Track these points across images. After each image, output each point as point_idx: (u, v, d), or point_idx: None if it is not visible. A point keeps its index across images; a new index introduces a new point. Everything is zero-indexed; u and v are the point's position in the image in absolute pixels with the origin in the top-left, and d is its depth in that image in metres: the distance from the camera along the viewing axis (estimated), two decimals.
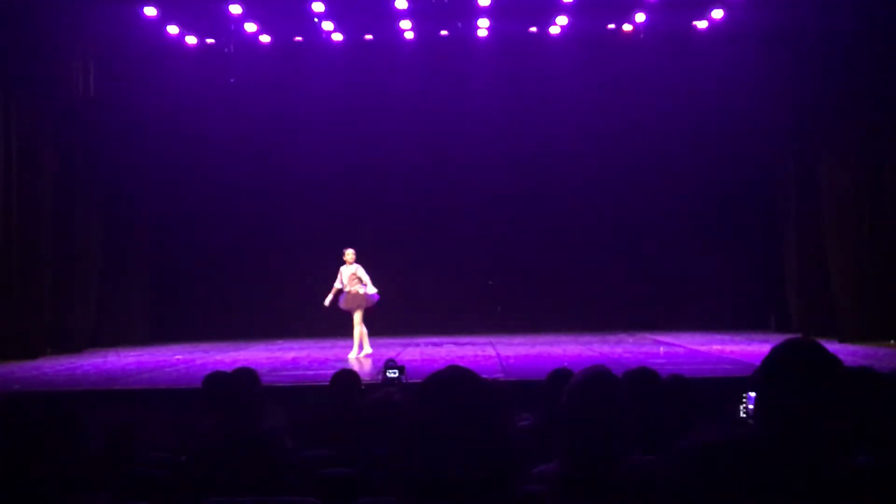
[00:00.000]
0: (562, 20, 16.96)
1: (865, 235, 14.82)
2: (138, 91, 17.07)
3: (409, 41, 17.73)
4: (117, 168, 17.00)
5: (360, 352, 13.86)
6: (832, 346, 11.59)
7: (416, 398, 2.13)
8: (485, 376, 2.27)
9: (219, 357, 13.93)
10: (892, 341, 14.00)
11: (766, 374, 2.63)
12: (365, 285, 13.76)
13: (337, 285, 13.85)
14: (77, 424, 2.62)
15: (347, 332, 14.10)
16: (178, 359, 13.93)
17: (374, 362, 12.58)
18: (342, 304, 13.87)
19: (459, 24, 17.15)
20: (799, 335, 5.16)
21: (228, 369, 5.19)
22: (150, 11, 16.03)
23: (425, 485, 2.04)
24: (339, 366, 9.60)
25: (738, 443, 2.49)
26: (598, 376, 3.03)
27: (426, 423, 2.07)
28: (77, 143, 16.15)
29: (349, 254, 13.81)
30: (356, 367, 10.54)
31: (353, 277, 13.76)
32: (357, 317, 13.84)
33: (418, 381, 9.82)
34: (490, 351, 14.17)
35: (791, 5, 15.22)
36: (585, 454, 2.89)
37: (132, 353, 15.10)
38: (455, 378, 2.15)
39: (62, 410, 2.65)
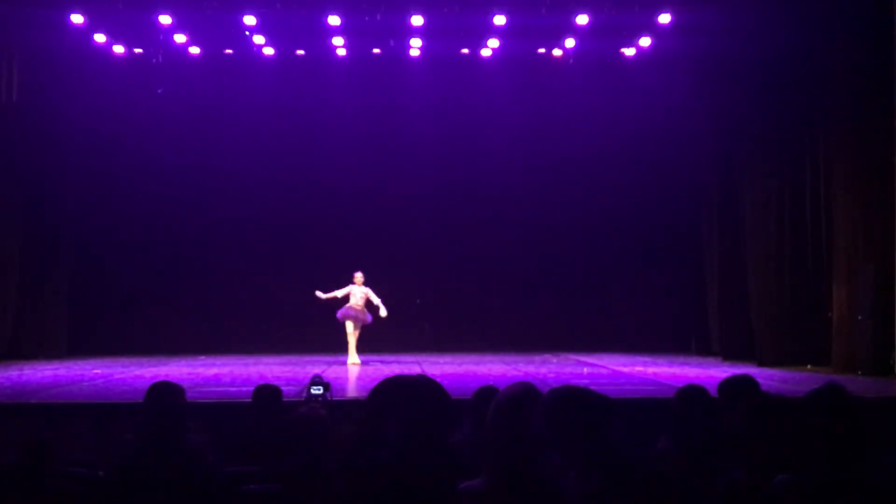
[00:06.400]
0: (493, 43, 17.11)
1: (785, 262, 15.19)
2: (63, 99, 16.72)
3: (342, 58, 17.69)
4: (38, 177, 16.60)
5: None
6: (751, 370, 11.85)
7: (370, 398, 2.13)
8: None
9: (138, 372, 13.66)
10: (808, 366, 14.35)
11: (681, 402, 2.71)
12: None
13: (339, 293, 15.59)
14: None
15: (269, 348, 14.26)
16: (96, 373, 13.62)
17: (299, 379, 12.47)
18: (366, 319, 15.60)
19: (392, 43, 17.18)
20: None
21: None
22: (77, 19, 15.72)
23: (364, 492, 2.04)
24: (262, 382, 9.49)
25: (650, 462, 2.56)
26: (523, 393, 3.07)
27: (374, 427, 2.08)
28: None
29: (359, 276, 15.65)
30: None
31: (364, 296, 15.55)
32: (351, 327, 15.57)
33: (343, 399, 9.77)
34: (416, 370, 14.15)
35: (715, 35, 15.56)
36: (511, 469, 2.91)
37: (49, 367, 14.70)
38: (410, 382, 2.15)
39: None
